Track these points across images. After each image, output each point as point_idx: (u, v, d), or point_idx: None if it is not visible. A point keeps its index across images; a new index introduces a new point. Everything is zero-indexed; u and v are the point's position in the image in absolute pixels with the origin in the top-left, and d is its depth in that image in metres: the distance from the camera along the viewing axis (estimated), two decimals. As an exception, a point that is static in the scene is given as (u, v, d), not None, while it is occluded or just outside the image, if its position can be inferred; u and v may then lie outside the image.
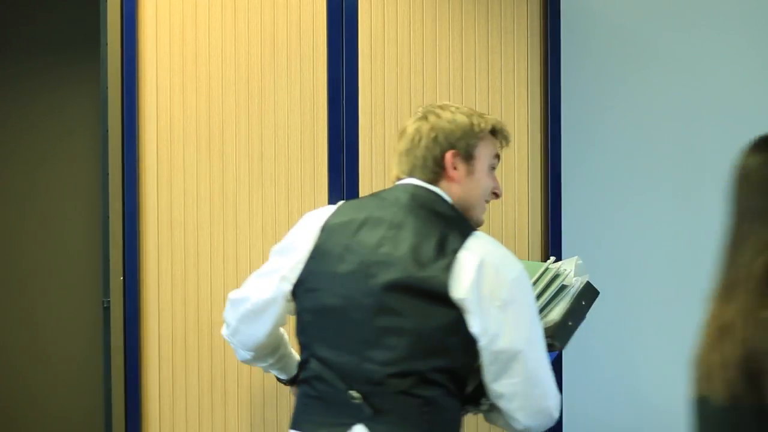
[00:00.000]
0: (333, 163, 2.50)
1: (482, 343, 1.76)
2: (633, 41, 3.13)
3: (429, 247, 1.77)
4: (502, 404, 1.81)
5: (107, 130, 2.44)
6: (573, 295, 2.03)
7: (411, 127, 1.92)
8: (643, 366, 3.15)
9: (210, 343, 2.47)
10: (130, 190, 2.42)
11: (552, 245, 2.60)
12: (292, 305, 1.91)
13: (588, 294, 2.05)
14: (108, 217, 2.44)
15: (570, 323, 2.01)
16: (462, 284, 1.74)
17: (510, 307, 1.76)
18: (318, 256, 1.84)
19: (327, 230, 1.86)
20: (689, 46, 3.16)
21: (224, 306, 2.46)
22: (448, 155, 1.89)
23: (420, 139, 1.90)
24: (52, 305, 3.62)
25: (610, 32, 3.12)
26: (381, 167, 2.52)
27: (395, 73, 2.54)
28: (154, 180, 2.45)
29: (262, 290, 1.92)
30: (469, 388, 1.87)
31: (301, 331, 1.88)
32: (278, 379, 2.18)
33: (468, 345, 1.77)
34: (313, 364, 1.83)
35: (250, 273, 2.47)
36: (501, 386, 1.79)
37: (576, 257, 2.14)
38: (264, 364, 2.10)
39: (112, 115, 2.43)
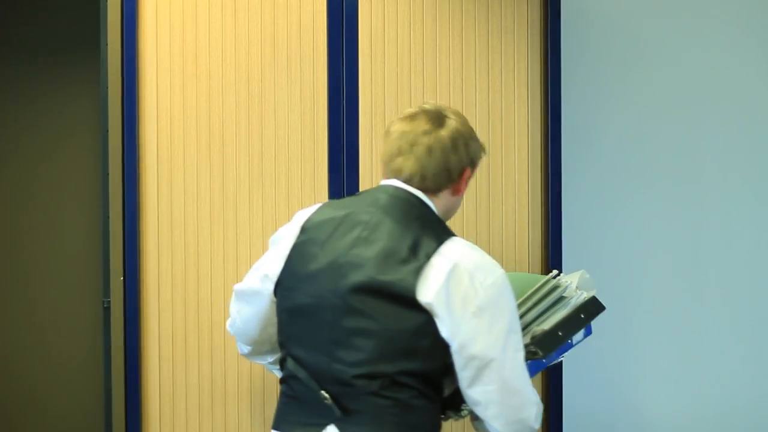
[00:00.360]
0: (333, 163, 2.50)
1: (453, 347, 1.75)
2: (633, 41, 3.13)
3: (401, 250, 1.76)
4: (479, 411, 1.80)
5: (107, 130, 2.44)
6: (573, 307, 2.02)
7: (448, 127, 1.86)
8: (643, 365, 3.15)
9: (210, 343, 2.47)
10: (130, 190, 2.42)
11: (552, 245, 2.59)
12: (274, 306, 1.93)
13: (591, 308, 2.03)
14: (108, 217, 2.44)
15: (560, 333, 1.98)
16: (430, 288, 1.73)
17: (485, 313, 1.74)
18: (296, 255, 1.85)
19: (306, 229, 1.87)
20: (689, 46, 3.16)
21: (224, 306, 2.47)
22: (468, 170, 1.89)
23: (457, 145, 1.86)
24: (52, 305, 3.62)
25: (610, 32, 3.12)
26: (381, 167, 2.51)
27: (395, 73, 2.54)
28: (154, 180, 2.45)
29: (254, 282, 1.95)
30: (447, 392, 1.86)
31: (280, 331, 1.89)
32: (280, 382, 2.19)
33: (439, 349, 1.76)
34: (290, 364, 1.85)
35: (250, 273, 2.47)
36: (476, 393, 1.78)
37: (582, 271, 2.12)
38: (263, 362, 2.11)
39: (112, 115, 2.43)
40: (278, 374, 2.16)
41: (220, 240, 2.47)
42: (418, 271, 1.73)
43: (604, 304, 2.04)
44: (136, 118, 2.43)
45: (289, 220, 2.46)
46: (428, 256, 1.75)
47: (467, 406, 1.85)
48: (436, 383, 1.82)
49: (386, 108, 2.52)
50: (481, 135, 2.51)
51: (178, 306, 2.46)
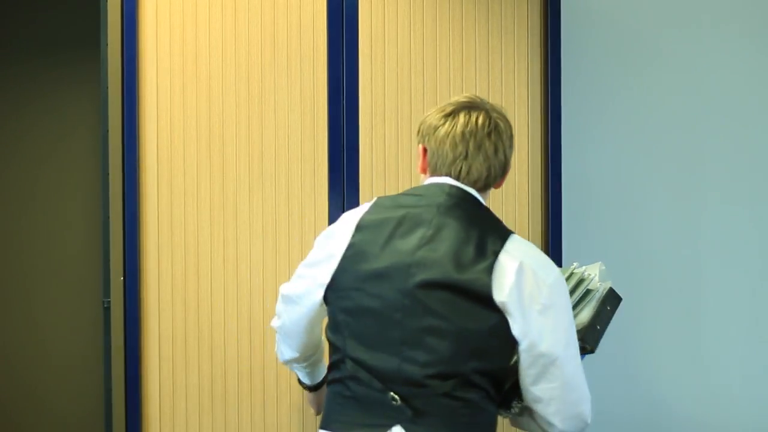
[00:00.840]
0: (333, 163, 2.50)
1: (523, 346, 1.75)
2: (633, 41, 3.13)
3: (469, 249, 1.75)
4: (539, 408, 1.81)
5: (107, 130, 2.44)
6: (598, 299, 2.03)
7: (501, 124, 1.86)
8: (643, 363, 3.15)
9: (210, 343, 2.47)
10: (130, 190, 2.42)
11: (552, 245, 2.59)
12: (324, 308, 1.89)
13: (612, 299, 2.05)
14: (108, 217, 2.44)
15: (598, 327, 2.01)
16: (503, 287, 1.73)
17: (549, 311, 1.76)
18: (352, 255, 1.81)
19: (362, 228, 1.83)
20: (689, 45, 3.16)
21: (224, 306, 2.47)
22: (508, 164, 1.91)
23: (512, 142, 1.88)
24: (52, 305, 3.62)
25: (610, 32, 3.12)
26: (381, 167, 2.52)
27: (395, 73, 2.54)
28: (155, 180, 2.45)
29: (306, 283, 1.91)
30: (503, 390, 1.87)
31: (335, 331, 1.84)
32: (300, 382, 2.18)
33: (509, 348, 1.77)
34: (348, 365, 1.80)
35: (250, 273, 2.47)
36: (539, 390, 1.78)
37: (599, 263, 2.14)
38: (297, 364, 2.09)
39: (112, 115, 2.43)
40: (301, 375, 2.14)
41: (220, 240, 2.47)
42: (489, 270, 1.73)
43: (620, 295, 2.07)
44: (136, 118, 2.43)
45: (289, 220, 2.48)
46: (496, 254, 1.75)
47: (518, 403, 1.85)
48: (501, 382, 1.82)
49: (386, 108, 2.52)
50: (481, 135, 2.51)
51: (178, 306, 2.46)
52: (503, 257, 1.76)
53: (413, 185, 2.43)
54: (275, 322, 2.05)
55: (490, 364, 1.76)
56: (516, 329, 1.74)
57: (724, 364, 3.17)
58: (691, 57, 3.16)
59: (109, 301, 2.45)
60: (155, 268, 2.45)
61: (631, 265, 3.13)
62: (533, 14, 2.62)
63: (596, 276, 2.07)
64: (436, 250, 1.76)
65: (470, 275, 1.73)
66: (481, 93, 2.58)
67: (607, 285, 2.06)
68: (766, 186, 3.20)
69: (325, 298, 1.86)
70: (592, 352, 2.01)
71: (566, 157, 2.75)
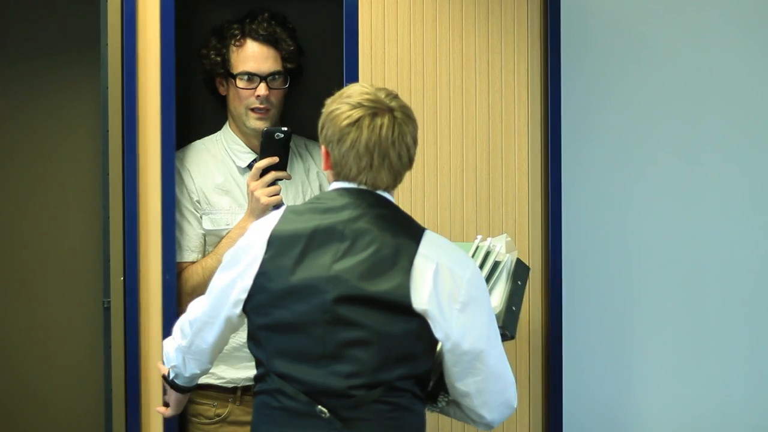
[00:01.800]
0: (166, 168, 2.42)
1: (447, 347, 1.76)
2: (633, 41, 3.13)
3: (384, 258, 1.75)
4: (467, 402, 1.83)
5: (107, 131, 2.44)
6: (508, 273, 2.03)
7: (404, 123, 1.83)
8: (644, 365, 3.15)
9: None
10: (130, 190, 2.42)
11: (552, 245, 2.59)
12: (242, 319, 1.88)
13: (521, 272, 2.07)
14: (108, 217, 2.44)
15: (514, 308, 2.02)
16: (422, 294, 1.73)
17: (469, 308, 1.77)
18: (268, 271, 1.80)
19: (274, 244, 1.81)
20: (690, 46, 3.16)
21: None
22: (413, 160, 1.88)
23: (414, 139, 1.86)
24: (52, 305, 3.61)
25: (610, 32, 3.12)
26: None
27: (395, 73, 2.53)
28: (155, 180, 2.44)
29: (220, 304, 1.88)
30: (430, 387, 1.88)
31: (257, 346, 1.84)
32: (170, 382, 2.12)
33: (432, 349, 1.78)
34: (273, 379, 1.80)
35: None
36: (466, 385, 1.80)
37: (505, 234, 2.14)
38: (192, 377, 2.07)
39: (112, 116, 2.43)
40: (182, 381, 2.09)
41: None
42: (407, 277, 1.74)
43: (528, 265, 2.08)
44: (136, 118, 2.43)
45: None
46: (411, 260, 1.76)
47: (444, 396, 1.87)
48: (426, 383, 1.84)
49: (386, 108, 2.52)
50: (481, 135, 2.51)
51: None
52: (419, 261, 1.76)
53: (413, 186, 2.44)
54: (180, 340, 2.01)
55: (415, 368, 1.77)
56: (438, 332, 1.75)
57: (725, 365, 3.17)
58: (692, 57, 3.16)
59: (109, 301, 2.45)
60: (155, 268, 2.44)
61: (630, 264, 3.13)
62: (533, 14, 2.61)
63: (503, 247, 2.07)
64: (352, 261, 1.75)
65: (386, 285, 1.73)
66: (481, 93, 2.58)
67: (514, 256, 2.06)
68: (767, 187, 3.20)
69: (245, 313, 1.85)
70: (512, 338, 2.02)
71: (566, 156, 2.75)
